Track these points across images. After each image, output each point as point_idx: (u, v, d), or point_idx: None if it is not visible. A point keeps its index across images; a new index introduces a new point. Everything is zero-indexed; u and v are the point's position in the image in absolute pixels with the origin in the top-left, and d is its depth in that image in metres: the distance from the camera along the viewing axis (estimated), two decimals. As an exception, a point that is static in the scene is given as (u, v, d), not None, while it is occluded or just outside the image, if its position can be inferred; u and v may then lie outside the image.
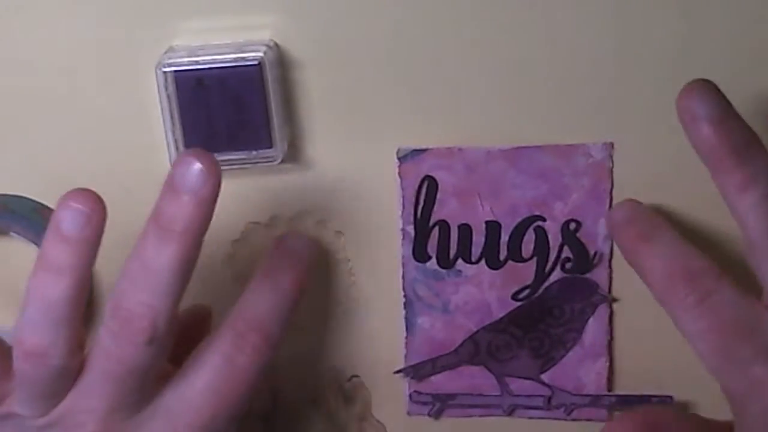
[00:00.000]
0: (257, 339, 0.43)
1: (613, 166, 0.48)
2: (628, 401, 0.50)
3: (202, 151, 0.39)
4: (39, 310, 0.40)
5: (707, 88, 0.41)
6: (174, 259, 0.39)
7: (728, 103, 0.41)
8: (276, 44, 0.46)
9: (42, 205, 0.49)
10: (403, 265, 0.50)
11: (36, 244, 0.48)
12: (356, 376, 0.52)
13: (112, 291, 0.40)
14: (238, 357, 0.43)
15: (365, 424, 0.53)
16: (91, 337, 0.43)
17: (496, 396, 0.51)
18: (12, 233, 0.50)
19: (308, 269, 0.46)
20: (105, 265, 0.50)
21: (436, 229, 0.49)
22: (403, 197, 0.49)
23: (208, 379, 0.42)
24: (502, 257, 0.49)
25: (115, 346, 0.40)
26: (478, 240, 0.49)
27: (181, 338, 0.43)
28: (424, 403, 0.52)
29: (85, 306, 0.41)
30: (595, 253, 0.49)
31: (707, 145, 0.41)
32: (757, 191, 0.40)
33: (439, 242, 0.49)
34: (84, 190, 0.39)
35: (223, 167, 0.46)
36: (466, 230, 0.49)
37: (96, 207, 0.39)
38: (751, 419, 0.41)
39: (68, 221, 0.39)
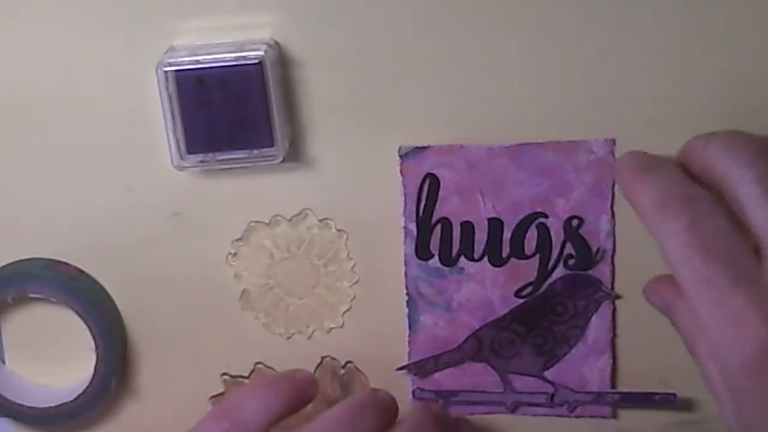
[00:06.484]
0: None
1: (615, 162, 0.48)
2: (631, 398, 0.50)
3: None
4: None
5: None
6: None
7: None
8: (276, 43, 0.46)
9: (53, 261, 0.50)
10: (406, 262, 0.50)
11: (52, 299, 0.49)
12: (350, 361, 0.52)
13: None
14: None
15: None
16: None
17: (499, 393, 0.51)
18: (29, 294, 0.50)
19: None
20: (106, 266, 0.51)
21: (439, 226, 0.49)
22: (405, 195, 0.49)
23: None
24: (504, 254, 0.49)
25: None
26: (481, 237, 0.49)
27: None
28: (427, 400, 0.52)
29: None
30: (598, 250, 0.49)
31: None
32: None
33: (441, 240, 0.49)
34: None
35: (224, 166, 0.46)
36: (468, 227, 0.49)
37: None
38: (725, 350, 0.39)
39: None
